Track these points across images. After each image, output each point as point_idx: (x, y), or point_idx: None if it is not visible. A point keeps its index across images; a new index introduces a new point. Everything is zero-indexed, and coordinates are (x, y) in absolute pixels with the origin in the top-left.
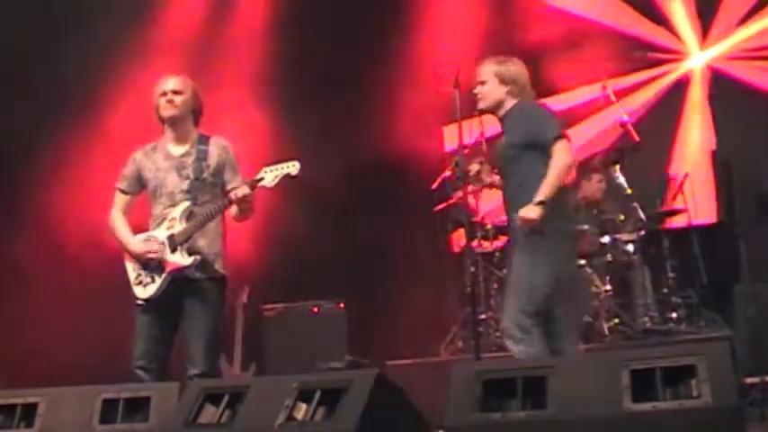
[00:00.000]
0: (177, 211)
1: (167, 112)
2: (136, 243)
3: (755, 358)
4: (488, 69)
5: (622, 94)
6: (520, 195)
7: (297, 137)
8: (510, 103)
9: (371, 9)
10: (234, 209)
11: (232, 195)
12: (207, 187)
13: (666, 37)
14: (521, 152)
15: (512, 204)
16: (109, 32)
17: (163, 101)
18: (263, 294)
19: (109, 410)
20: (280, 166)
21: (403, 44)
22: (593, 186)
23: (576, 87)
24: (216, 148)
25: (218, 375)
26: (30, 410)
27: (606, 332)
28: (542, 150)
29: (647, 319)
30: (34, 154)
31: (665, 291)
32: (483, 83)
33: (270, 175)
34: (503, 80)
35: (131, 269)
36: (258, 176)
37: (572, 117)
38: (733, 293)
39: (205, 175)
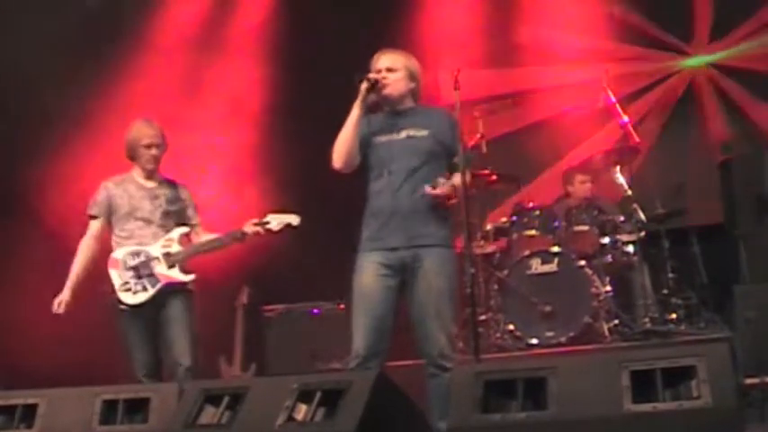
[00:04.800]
0: (174, 234)
1: (150, 165)
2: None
3: (755, 359)
4: (400, 61)
5: (621, 93)
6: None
7: (296, 136)
8: (410, 101)
9: (371, 11)
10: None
11: (246, 229)
12: (173, 217)
13: (672, 32)
14: (438, 150)
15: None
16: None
17: (147, 154)
18: (263, 295)
19: (109, 411)
20: (283, 216)
21: (402, 44)
22: (577, 188)
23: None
24: (181, 189)
25: (215, 374)
26: (30, 411)
27: (606, 333)
28: (447, 158)
29: (647, 319)
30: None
31: (665, 291)
32: (392, 70)
33: (275, 221)
34: (411, 77)
35: (116, 275)
36: (265, 220)
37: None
38: (733, 294)
39: (174, 207)
